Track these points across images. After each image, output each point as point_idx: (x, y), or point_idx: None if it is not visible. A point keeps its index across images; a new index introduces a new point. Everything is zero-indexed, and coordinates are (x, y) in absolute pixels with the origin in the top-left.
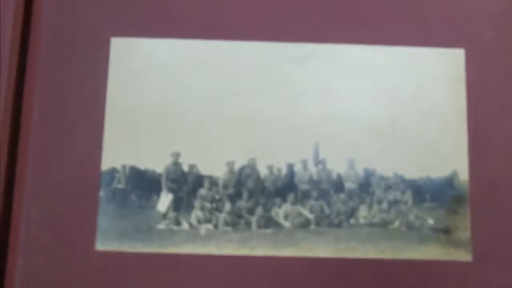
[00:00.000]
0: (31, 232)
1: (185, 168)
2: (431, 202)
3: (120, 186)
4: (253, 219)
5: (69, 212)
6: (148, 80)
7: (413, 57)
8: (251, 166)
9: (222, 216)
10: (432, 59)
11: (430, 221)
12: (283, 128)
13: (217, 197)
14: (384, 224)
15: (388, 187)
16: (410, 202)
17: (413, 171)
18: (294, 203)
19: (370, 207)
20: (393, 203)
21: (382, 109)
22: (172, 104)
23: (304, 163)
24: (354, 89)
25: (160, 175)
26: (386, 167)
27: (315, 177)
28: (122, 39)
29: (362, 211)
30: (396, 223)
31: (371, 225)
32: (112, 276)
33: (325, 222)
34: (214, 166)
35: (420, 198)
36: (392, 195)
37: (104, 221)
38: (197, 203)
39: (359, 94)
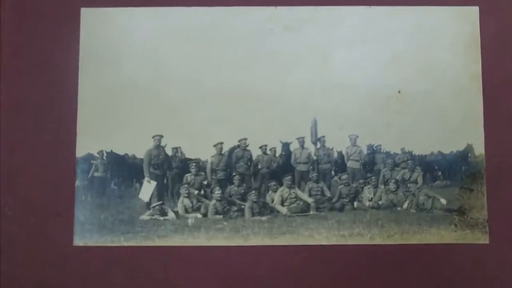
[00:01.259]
0: (6, 228)
1: (169, 151)
2: (443, 180)
3: (98, 174)
4: (246, 206)
5: (44, 205)
6: (124, 55)
7: (421, 18)
8: (242, 147)
9: (212, 204)
10: (443, 19)
11: (443, 201)
12: (276, 103)
13: (205, 182)
14: (392, 206)
15: (396, 165)
16: (420, 181)
17: (423, 147)
18: (291, 186)
19: (375, 188)
20: (401, 182)
21: (387, 78)
22: (152, 80)
23: (301, 142)
24: (356, 57)
25: (141, 160)
26: (392, 143)
27: (313, 156)
28: (93, 9)
29: (367, 193)
30: (405, 205)
31: (377, 207)
32: (92, 273)
33: (326, 206)
34: (201, 149)
35: (431, 176)
36: (400, 174)
37: (82, 213)
38: (183, 190)
39: (361, 62)
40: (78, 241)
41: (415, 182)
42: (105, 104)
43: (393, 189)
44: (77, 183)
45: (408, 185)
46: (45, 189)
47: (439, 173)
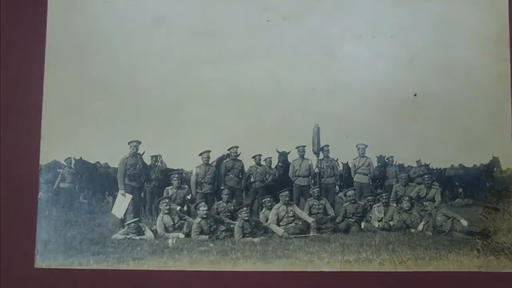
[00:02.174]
0: None
1: (147, 160)
2: (464, 198)
3: (65, 184)
4: (236, 225)
5: (3, 222)
6: (97, 47)
7: (441, 10)
8: (232, 157)
9: (196, 222)
10: (466, 11)
11: (464, 223)
12: (273, 106)
13: (188, 197)
14: (405, 227)
15: (410, 180)
16: (438, 199)
17: (442, 159)
18: (288, 203)
19: (386, 206)
20: (416, 200)
21: (402, 79)
22: (128, 77)
23: (301, 151)
24: (365, 54)
25: (115, 170)
26: (407, 155)
27: (315, 169)
28: None
29: (376, 212)
30: (420, 226)
31: (388, 229)
32: None
33: (329, 226)
34: (185, 158)
35: (450, 193)
36: (414, 190)
37: (45, 230)
38: (163, 206)
39: (371, 60)
40: (40, 263)
41: (432, 200)
42: (75, 104)
43: (407, 208)
44: (40, 195)
45: (424, 203)
46: (3, 203)
47: (460, 189)
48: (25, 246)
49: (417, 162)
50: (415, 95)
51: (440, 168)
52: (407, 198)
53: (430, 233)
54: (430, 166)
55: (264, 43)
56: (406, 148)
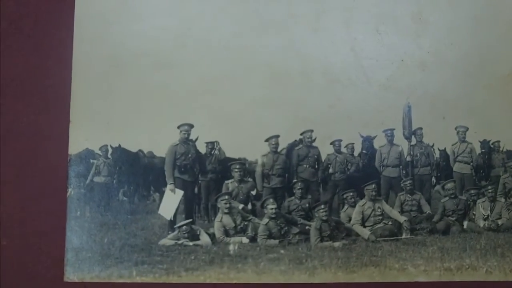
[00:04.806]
0: None
1: (202, 148)
2: None
3: (100, 178)
4: (312, 227)
5: (22, 223)
6: (132, 13)
7: None
8: (306, 143)
9: (263, 223)
10: None
11: None
12: (354, 81)
13: (253, 192)
14: None
15: None
16: None
17: None
18: (375, 199)
19: (493, 201)
20: None
21: (508, 46)
22: (173, 45)
23: (390, 135)
24: (462, 17)
25: (162, 160)
26: None
27: (407, 156)
28: None
29: (481, 209)
30: None
31: (496, 229)
32: None
33: (425, 227)
34: (248, 144)
35: None
36: None
37: (77, 235)
38: (222, 204)
39: (470, 24)
40: (71, 275)
41: None
42: (109, 81)
43: None
44: (70, 191)
45: None
46: (24, 201)
47: None
48: (52, 255)
49: None
50: None
51: None
52: None
53: None
54: None
55: (341, 3)
56: None
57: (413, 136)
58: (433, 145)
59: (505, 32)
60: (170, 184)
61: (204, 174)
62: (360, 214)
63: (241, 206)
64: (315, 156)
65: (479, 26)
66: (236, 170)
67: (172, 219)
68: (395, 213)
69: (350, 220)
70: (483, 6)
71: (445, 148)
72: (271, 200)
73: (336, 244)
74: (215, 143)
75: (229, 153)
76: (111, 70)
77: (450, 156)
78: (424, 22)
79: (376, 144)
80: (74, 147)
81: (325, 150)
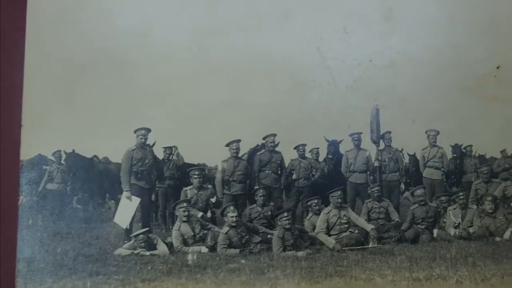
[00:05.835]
0: None
1: (159, 153)
2: None
3: (53, 185)
4: (275, 235)
5: None
6: (89, 12)
7: None
8: (269, 148)
9: (223, 232)
10: None
11: None
12: (319, 83)
13: (213, 200)
14: (488, 235)
15: (493, 175)
16: None
17: None
18: (341, 206)
19: (464, 208)
20: (502, 200)
21: (482, 48)
22: (132, 47)
23: (357, 140)
24: (437, 16)
25: (118, 166)
26: (489, 143)
27: (375, 162)
28: None
29: (452, 216)
30: (507, 233)
31: (467, 237)
32: None
33: (393, 235)
34: (208, 150)
35: None
36: (499, 188)
37: (28, 245)
38: (181, 212)
39: (444, 24)
40: (22, 287)
41: None
42: (63, 83)
43: (490, 211)
44: (22, 199)
45: None
46: None
47: None
48: (3, 266)
49: (501, 152)
50: (497, 67)
51: None
52: (490, 198)
53: None
54: None
55: (307, 2)
56: (487, 135)
57: (381, 140)
58: (402, 150)
59: (479, 32)
60: (126, 191)
61: (161, 180)
62: (325, 222)
63: (200, 214)
64: (278, 162)
65: (452, 26)
66: (195, 176)
67: (128, 227)
68: (361, 221)
69: (314, 228)
70: (457, 5)
71: (414, 153)
72: (231, 207)
73: (300, 253)
74: (173, 148)
75: (188, 159)
76: (65, 72)
77: (420, 161)
78: (393, 21)
79: (342, 148)
80: (26, 152)
81: (289, 155)
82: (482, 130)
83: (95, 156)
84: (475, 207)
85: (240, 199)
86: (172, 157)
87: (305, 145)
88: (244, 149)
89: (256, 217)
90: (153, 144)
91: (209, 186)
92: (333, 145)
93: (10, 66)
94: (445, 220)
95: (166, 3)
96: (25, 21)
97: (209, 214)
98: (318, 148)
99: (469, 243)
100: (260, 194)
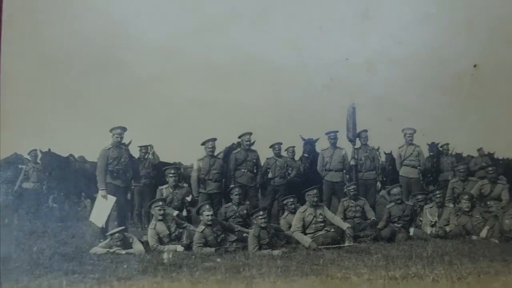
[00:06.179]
0: None
1: (135, 152)
2: None
3: (29, 184)
4: (251, 234)
5: None
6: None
7: None
8: (245, 146)
9: (199, 231)
10: None
11: None
12: (296, 81)
13: (189, 199)
14: (464, 233)
15: (470, 174)
16: (505, 197)
17: (510, 147)
18: (317, 205)
19: (441, 207)
20: (479, 199)
21: (459, 46)
22: (109, 45)
23: (333, 138)
24: (412, 15)
25: (94, 164)
26: (465, 141)
27: (351, 160)
28: None
29: (429, 215)
30: (484, 232)
31: (444, 236)
32: None
33: (369, 234)
34: (184, 149)
35: None
36: (476, 187)
37: (5, 244)
38: (156, 210)
39: (420, 22)
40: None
41: (498, 198)
42: (40, 81)
43: (467, 209)
44: None
45: (488, 203)
46: None
47: None
48: None
49: (478, 150)
50: (475, 66)
51: (507, 158)
52: (466, 196)
53: (497, 241)
54: (495, 156)
55: (285, 0)
56: (464, 134)
57: (357, 139)
58: (378, 148)
59: (456, 31)
60: (102, 190)
61: (137, 179)
62: (300, 221)
63: (175, 212)
64: (254, 160)
65: (429, 24)
66: (171, 175)
67: (104, 226)
68: (337, 220)
69: (290, 227)
70: (433, 4)
71: (391, 152)
72: (207, 206)
73: (275, 252)
74: (148, 147)
75: (164, 157)
76: (41, 71)
77: (397, 160)
78: (371, 19)
79: (319, 147)
80: (2, 151)
81: (264, 154)
82: (459, 129)
83: (71, 155)
84: (451, 205)
85: (215, 198)
86: (147, 156)
87: (281, 143)
88: (220, 148)
89: (232, 215)
90: (129, 143)
91: (185, 184)
92: (309, 144)
93: None
94: (421, 218)
95: (141, 3)
96: (0, 21)
97: (184, 213)
98: (294, 146)
99: (446, 241)
100: (236, 193)
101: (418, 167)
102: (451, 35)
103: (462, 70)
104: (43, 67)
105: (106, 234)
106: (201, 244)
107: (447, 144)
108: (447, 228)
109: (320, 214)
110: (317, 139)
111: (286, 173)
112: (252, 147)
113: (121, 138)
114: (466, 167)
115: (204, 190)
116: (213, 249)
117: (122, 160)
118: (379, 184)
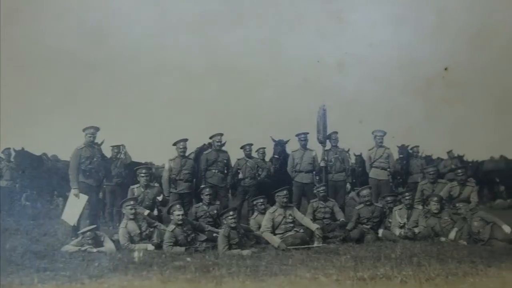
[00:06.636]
0: None
1: (107, 152)
2: (507, 198)
3: (2, 182)
4: (220, 234)
5: None
6: (47, 8)
7: None
8: (216, 147)
9: (169, 230)
10: None
11: (507, 229)
12: (267, 83)
13: (160, 198)
14: (433, 235)
15: (439, 176)
16: (474, 199)
17: (479, 150)
18: (287, 205)
19: (410, 209)
20: (448, 201)
21: (430, 49)
22: (83, 44)
23: (303, 140)
24: (384, 17)
25: (66, 163)
26: (435, 144)
27: (321, 162)
28: None
29: (398, 217)
30: (452, 234)
31: (412, 237)
32: None
33: (338, 235)
34: (155, 149)
35: (490, 192)
36: (445, 189)
37: None
38: (127, 209)
39: (391, 25)
40: None
41: (467, 200)
42: (13, 79)
43: (436, 211)
44: None
45: (457, 205)
46: None
47: (502, 188)
48: None
49: (448, 153)
50: (445, 69)
51: (477, 161)
52: (435, 198)
53: (465, 243)
54: (465, 158)
55: (258, 2)
56: (434, 136)
57: (327, 141)
58: (348, 150)
59: (428, 33)
60: (74, 188)
61: (109, 178)
62: (270, 221)
63: (146, 212)
64: (225, 161)
65: (400, 27)
66: (142, 175)
67: (75, 224)
68: (307, 221)
69: (259, 227)
70: (405, 6)
71: (361, 153)
72: (177, 206)
73: (245, 252)
74: (121, 147)
75: (136, 157)
76: (16, 70)
77: (366, 162)
78: (342, 21)
79: (289, 148)
80: None
81: (235, 155)
82: (429, 131)
83: (44, 153)
84: (420, 207)
85: (186, 198)
86: (120, 156)
87: (251, 144)
88: (191, 148)
89: (202, 215)
90: (101, 143)
91: (156, 184)
92: (280, 145)
93: None
94: (390, 220)
95: (117, 4)
96: None
97: (155, 212)
98: (264, 148)
99: (414, 243)
100: (206, 193)
101: (388, 169)
102: (422, 38)
103: (433, 73)
104: (19, 66)
105: (78, 232)
106: (172, 243)
107: (417, 146)
108: (416, 230)
109: (290, 214)
110: (288, 141)
111: (257, 174)
112: (223, 148)
113: (94, 137)
114: (436, 170)
115: (175, 190)
116: (183, 249)
117: (95, 159)
118: (348, 185)
